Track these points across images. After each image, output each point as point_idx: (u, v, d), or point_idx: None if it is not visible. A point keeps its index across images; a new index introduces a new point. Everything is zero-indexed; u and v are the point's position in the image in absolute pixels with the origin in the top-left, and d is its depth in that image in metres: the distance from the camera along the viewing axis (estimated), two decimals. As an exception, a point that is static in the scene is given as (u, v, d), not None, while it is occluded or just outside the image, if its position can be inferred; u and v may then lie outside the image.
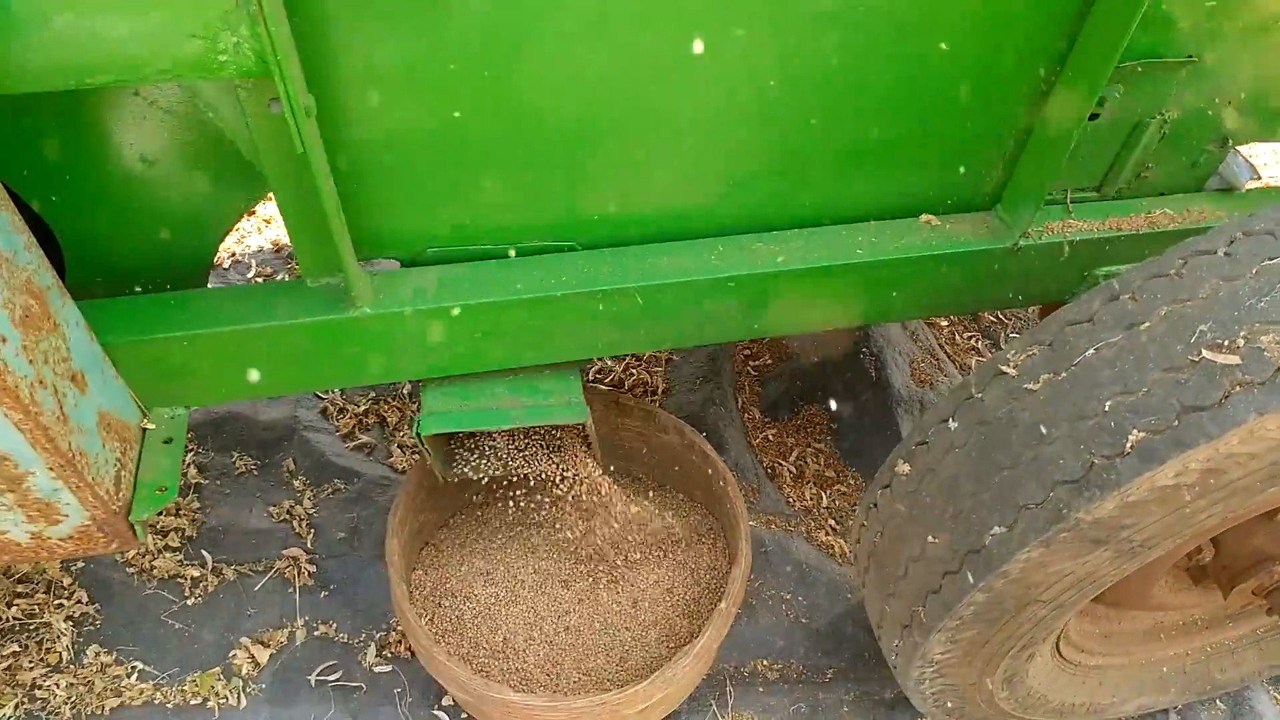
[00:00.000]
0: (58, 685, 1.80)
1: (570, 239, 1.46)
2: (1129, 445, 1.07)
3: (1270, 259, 1.09)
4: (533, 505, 1.88)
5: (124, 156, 1.29)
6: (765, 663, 1.90)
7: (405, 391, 2.37)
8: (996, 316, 2.73)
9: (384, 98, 1.22)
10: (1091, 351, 1.16)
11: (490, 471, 1.65)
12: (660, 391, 2.41)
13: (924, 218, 1.54)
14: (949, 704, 1.56)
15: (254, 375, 1.42)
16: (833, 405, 2.34)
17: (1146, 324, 1.13)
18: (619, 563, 1.86)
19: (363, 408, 2.32)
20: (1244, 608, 1.74)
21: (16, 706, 1.77)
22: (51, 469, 1.19)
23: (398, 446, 2.25)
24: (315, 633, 1.91)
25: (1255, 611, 1.75)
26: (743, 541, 1.64)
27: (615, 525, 1.77)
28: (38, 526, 1.29)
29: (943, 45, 1.32)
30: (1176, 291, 1.13)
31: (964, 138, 1.46)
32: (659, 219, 1.48)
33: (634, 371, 2.46)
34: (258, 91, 1.10)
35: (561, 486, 1.69)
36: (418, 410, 1.53)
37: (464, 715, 1.79)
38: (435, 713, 1.80)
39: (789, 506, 2.15)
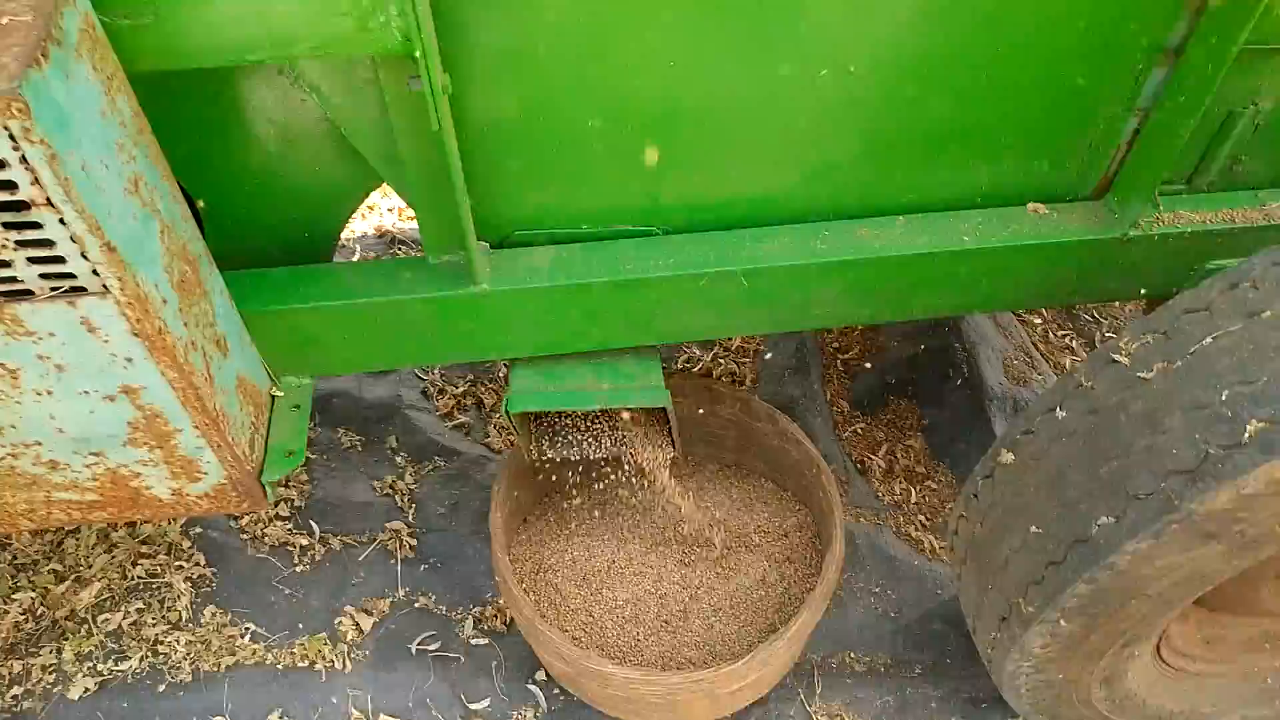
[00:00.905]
0: (178, 642, 1.91)
1: (659, 224, 1.50)
2: (1247, 436, 1.06)
3: None
4: (626, 488, 1.93)
5: (263, 138, 1.37)
6: (853, 655, 1.91)
7: (501, 375, 2.44)
8: (1093, 314, 2.67)
9: (497, 82, 1.27)
10: (1209, 340, 1.15)
11: (573, 454, 1.70)
12: (749, 382, 2.44)
13: (1031, 206, 1.54)
14: (1044, 702, 1.55)
15: (378, 346, 1.50)
16: (922, 401, 2.33)
17: (1268, 313, 1.12)
18: (714, 545, 1.89)
19: (461, 389, 2.40)
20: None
21: (141, 659, 1.89)
22: (197, 427, 1.28)
23: (494, 427, 2.32)
24: (416, 604, 1.99)
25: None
26: (836, 529, 1.66)
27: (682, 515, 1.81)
28: (179, 483, 1.39)
29: (1057, 31, 1.32)
30: (1302, 280, 1.12)
31: (1075, 125, 1.45)
32: (757, 204, 1.51)
33: (721, 362, 2.49)
34: (397, 69, 1.16)
35: (642, 472, 1.74)
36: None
37: (556, 690, 1.85)
38: (529, 687, 1.86)
39: (878, 501, 2.16)
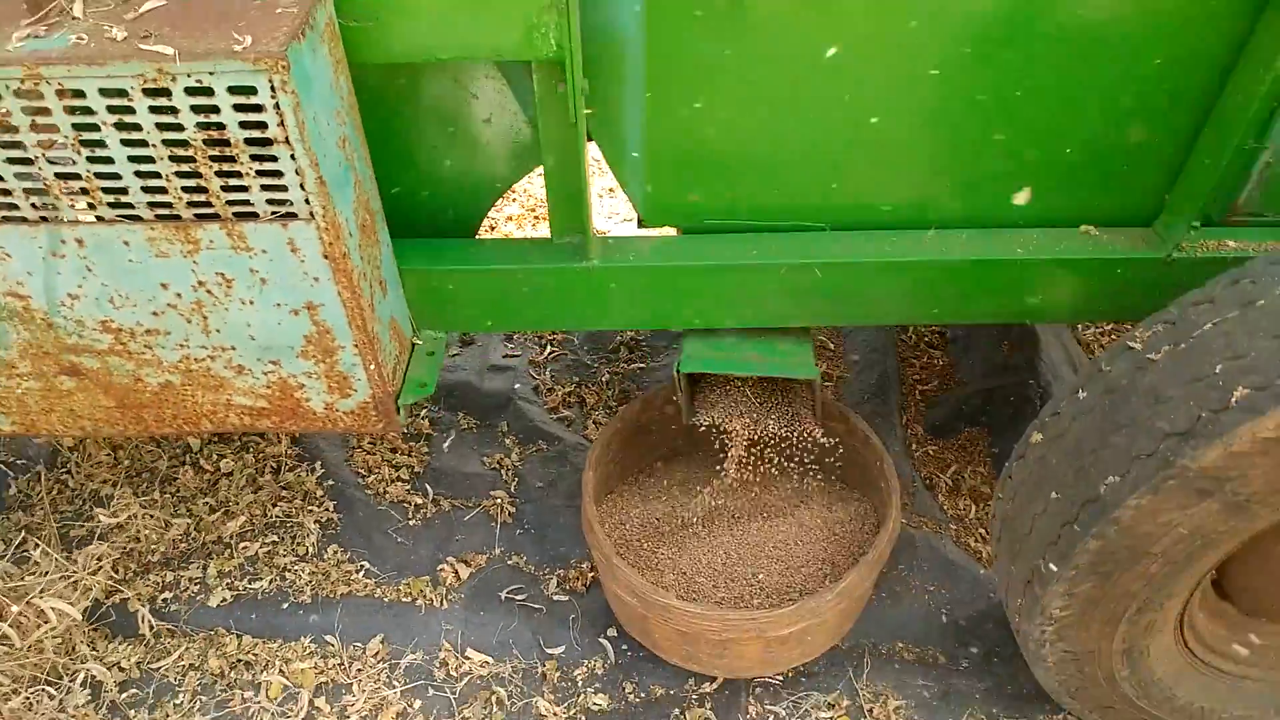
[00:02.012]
0: (303, 571, 2.21)
1: (797, 221, 1.74)
2: (1234, 400, 1.22)
3: (1380, 247, 1.23)
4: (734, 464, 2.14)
5: (433, 131, 1.71)
6: (903, 644, 2.04)
7: (603, 380, 2.71)
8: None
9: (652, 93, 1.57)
10: (1209, 325, 1.31)
11: (718, 418, 1.92)
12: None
13: (1083, 228, 1.72)
14: (1071, 681, 1.66)
15: (503, 310, 1.79)
16: (995, 430, 2.47)
17: (1262, 302, 1.28)
18: (777, 524, 2.09)
19: (568, 389, 2.68)
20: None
21: (270, 582, 2.19)
22: (357, 345, 1.59)
23: (593, 422, 2.58)
24: (509, 561, 2.23)
25: None
26: (893, 510, 1.83)
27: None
28: (333, 398, 1.70)
29: (1120, 70, 1.51)
30: (1294, 274, 1.28)
31: (1130, 157, 1.63)
32: (844, 213, 1.74)
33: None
34: (549, 73, 1.48)
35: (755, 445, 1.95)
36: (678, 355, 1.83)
37: (624, 646, 2.04)
38: (601, 640, 2.07)
39: (942, 514, 2.30)
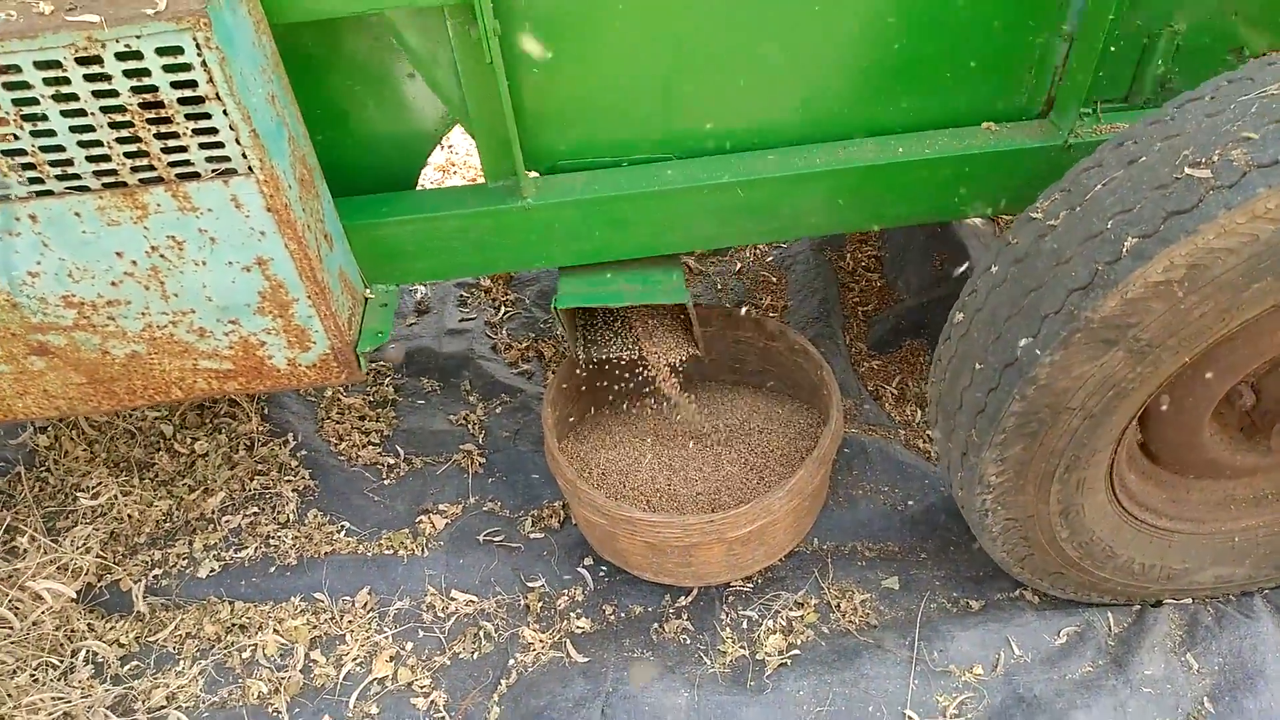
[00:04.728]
0: (286, 536, 2.28)
1: (672, 153, 1.83)
2: (1125, 250, 1.32)
3: (1244, 96, 1.33)
4: (654, 394, 2.24)
5: (361, 88, 1.77)
6: (864, 544, 2.15)
7: (559, 333, 2.79)
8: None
9: (545, 34, 1.65)
10: (1099, 187, 1.41)
11: (609, 352, 2.01)
12: (779, 336, 2.75)
13: (985, 125, 1.82)
14: (1017, 549, 1.76)
15: (447, 257, 1.86)
16: (933, 341, 2.57)
17: (1144, 158, 1.38)
18: (729, 441, 2.19)
19: (525, 344, 2.77)
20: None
21: (256, 549, 2.26)
22: (310, 297, 1.65)
23: (552, 373, 2.66)
24: (484, 507, 2.32)
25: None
26: (834, 410, 1.93)
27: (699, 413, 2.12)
28: (294, 353, 1.76)
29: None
30: (1168, 131, 1.38)
31: (1016, 53, 1.73)
32: (755, 133, 1.82)
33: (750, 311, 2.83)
34: (462, 19, 1.55)
35: (669, 373, 2.05)
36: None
37: (601, 572, 2.13)
38: (579, 570, 2.16)
39: (890, 420, 2.41)
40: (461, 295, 3.04)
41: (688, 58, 1.69)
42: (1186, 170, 1.31)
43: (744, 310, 2.12)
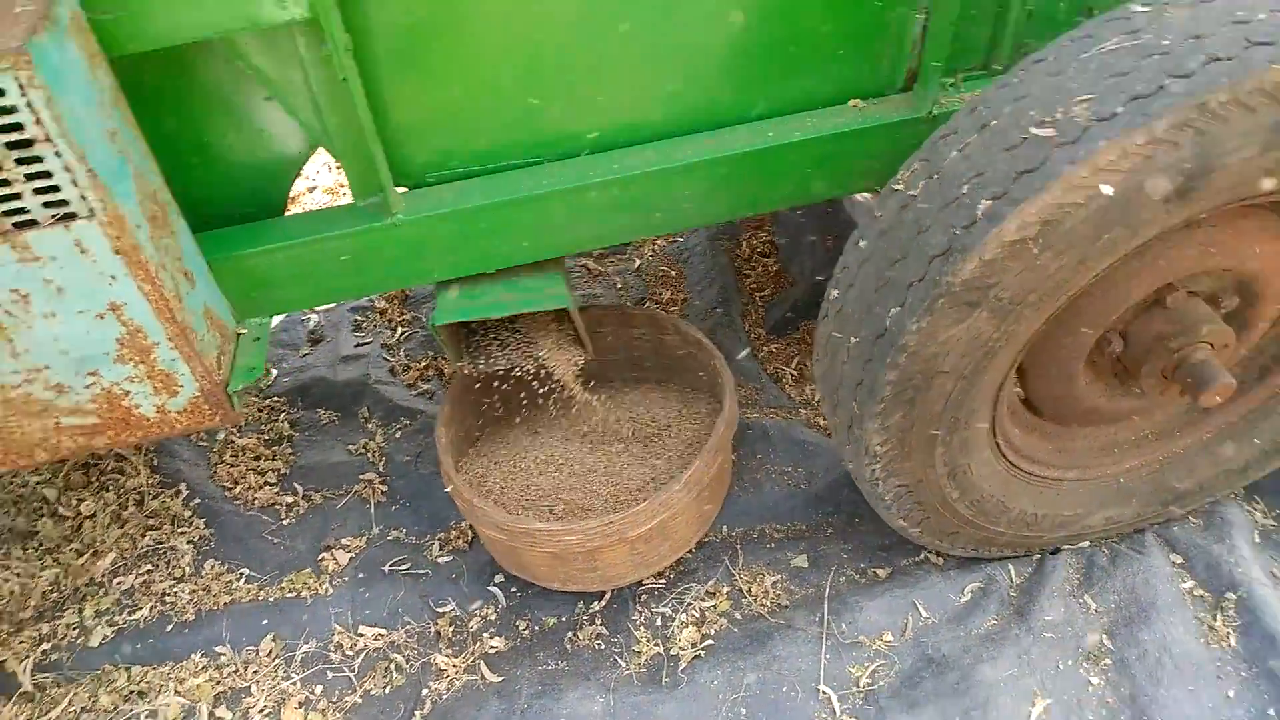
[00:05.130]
0: (182, 591, 2.18)
1: (543, 156, 1.81)
2: (980, 213, 1.36)
3: (1084, 54, 1.38)
4: (550, 401, 2.21)
5: (217, 117, 1.70)
6: (772, 526, 2.17)
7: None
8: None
9: (399, 44, 1.61)
10: (955, 153, 1.45)
11: (496, 365, 1.97)
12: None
13: (852, 103, 1.85)
14: (913, 514, 1.80)
15: (320, 283, 1.80)
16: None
17: (995, 121, 1.42)
18: (626, 437, 2.18)
19: (424, 364, 2.72)
20: (1186, 415, 1.93)
21: (151, 609, 2.15)
22: (171, 340, 1.58)
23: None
24: (389, 536, 2.26)
25: (1197, 420, 1.94)
26: (726, 397, 1.94)
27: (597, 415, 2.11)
28: (161, 399, 1.68)
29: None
30: (1016, 93, 1.42)
31: (872, 29, 1.77)
32: (621, 131, 1.82)
33: (650, 307, 2.83)
34: (312, 37, 1.50)
35: (562, 382, 2.04)
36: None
37: (513, 588, 2.10)
38: (490, 589, 2.12)
39: (790, 401, 2.44)
40: (356, 320, 2.96)
41: (545, 60, 1.67)
42: (1032, 130, 1.35)
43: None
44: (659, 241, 3.32)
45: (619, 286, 3.05)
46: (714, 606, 1.98)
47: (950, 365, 1.50)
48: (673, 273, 3.07)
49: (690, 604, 1.99)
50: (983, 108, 1.47)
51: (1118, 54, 1.35)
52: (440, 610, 2.08)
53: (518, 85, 1.69)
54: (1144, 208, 1.33)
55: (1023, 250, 1.36)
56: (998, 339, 1.47)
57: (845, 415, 1.66)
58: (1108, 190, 1.30)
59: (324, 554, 2.22)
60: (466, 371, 1.99)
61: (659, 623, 1.96)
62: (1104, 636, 1.87)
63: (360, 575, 2.16)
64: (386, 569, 2.17)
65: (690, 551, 2.09)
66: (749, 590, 2.01)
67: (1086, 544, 2.05)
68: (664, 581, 2.06)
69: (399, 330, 2.86)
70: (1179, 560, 2.02)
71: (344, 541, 2.24)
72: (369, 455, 2.45)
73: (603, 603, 2.03)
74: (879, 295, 1.51)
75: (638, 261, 3.16)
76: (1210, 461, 1.98)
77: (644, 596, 2.03)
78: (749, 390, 2.53)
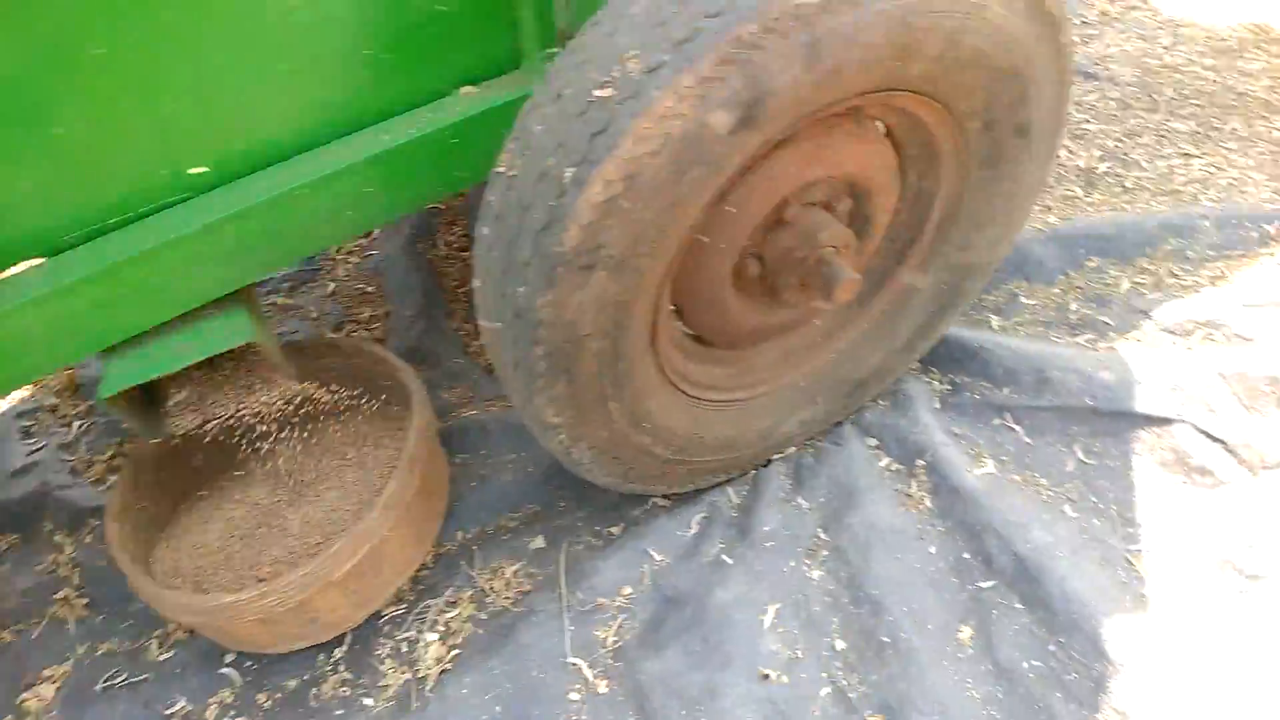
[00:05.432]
0: None
1: (147, 206, 1.66)
2: (567, 180, 1.38)
3: (632, 9, 1.40)
4: (250, 457, 2.08)
5: None
6: (507, 516, 2.16)
7: (122, 425, 2.52)
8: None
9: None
10: (539, 127, 1.45)
11: (192, 423, 1.81)
12: (380, 342, 2.66)
13: (463, 90, 1.81)
14: (615, 468, 1.84)
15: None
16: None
17: (567, 89, 1.43)
18: (336, 477, 2.09)
19: (109, 453, 2.47)
20: (843, 313, 2.08)
21: None
22: None
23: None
24: (98, 653, 2.03)
25: (854, 314, 2.10)
26: (415, 407, 1.90)
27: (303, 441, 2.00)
28: None
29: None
30: (579, 58, 1.43)
31: (471, 11, 1.71)
32: (232, 161, 1.69)
33: (351, 331, 2.74)
34: None
35: (263, 421, 1.91)
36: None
37: (248, 663, 1.96)
38: (221, 672, 1.96)
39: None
40: (24, 426, 2.64)
41: (106, 106, 1.51)
42: (595, 93, 1.37)
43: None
44: (352, 258, 3.19)
45: (315, 316, 2.90)
46: (458, 614, 1.94)
47: (591, 328, 1.52)
48: (370, 288, 2.96)
49: (434, 620, 1.94)
50: (554, 77, 1.48)
51: (658, 4, 1.39)
52: (169, 713, 1.90)
53: (76, 145, 1.51)
54: (714, 143, 1.38)
55: (615, 208, 1.38)
56: (624, 293, 1.50)
57: (517, 396, 1.66)
58: (675, 134, 1.35)
59: (25, 694, 1.97)
60: (156, 441, 1.80)
61: (405, 649, 1.90)
62: (819, 530, 2.00)
63: (71, 704, 1.94)
64: (99, 688, 1.96)
65: (427, 568, 2.04)
66: (490, 587, 1.99)
67: (793, 449, 2.19)
68: (404, 606, 1.99)
69: (75, 424, 2.58)
70: (874, 442, 2.20)
71: (45, 673, 2.00)
72: (59, 571, 2.20)
73: (345, 647, 1.94)
74: (506, 278, 1.50)
75: (331, 285, 3.02)
76: (875, 348, 2.14)
77: (386, 627, 1.95)
78: (463, 389, 2.49)
